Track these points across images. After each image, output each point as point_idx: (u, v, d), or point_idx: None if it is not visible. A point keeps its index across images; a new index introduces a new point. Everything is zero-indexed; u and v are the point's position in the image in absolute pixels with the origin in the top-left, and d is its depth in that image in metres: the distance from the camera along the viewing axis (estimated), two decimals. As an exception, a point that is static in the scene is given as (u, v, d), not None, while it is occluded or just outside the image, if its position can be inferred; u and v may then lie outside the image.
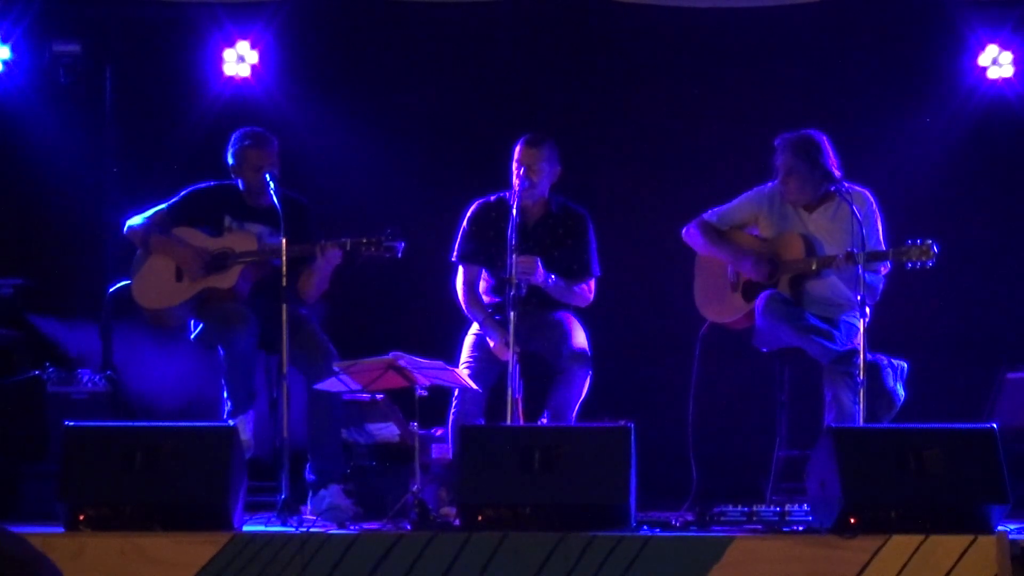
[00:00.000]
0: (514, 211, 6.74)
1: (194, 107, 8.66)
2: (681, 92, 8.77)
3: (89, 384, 7.78)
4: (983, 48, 8.58)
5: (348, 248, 6.78)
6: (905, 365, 6.86)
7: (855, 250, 6.60)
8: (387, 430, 7.51)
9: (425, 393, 6.47)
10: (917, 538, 5.57)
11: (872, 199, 6.97)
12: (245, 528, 6.00)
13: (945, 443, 5.76)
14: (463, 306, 7.22)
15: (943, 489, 5.70)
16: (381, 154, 8.55)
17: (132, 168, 8.49)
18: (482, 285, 7.24)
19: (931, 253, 6.58)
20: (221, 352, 6.81)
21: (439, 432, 7.30)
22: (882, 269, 6.89)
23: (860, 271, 6.52)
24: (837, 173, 6.92)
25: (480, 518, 5.78)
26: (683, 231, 7.30)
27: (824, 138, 6.99)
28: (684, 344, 7.43)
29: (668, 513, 6.43)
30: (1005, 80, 8.61)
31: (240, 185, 7.05)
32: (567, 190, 7.37)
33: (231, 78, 8.70)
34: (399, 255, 6.77)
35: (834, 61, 8.68)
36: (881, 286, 6.92)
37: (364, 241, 6.74)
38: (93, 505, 5.83)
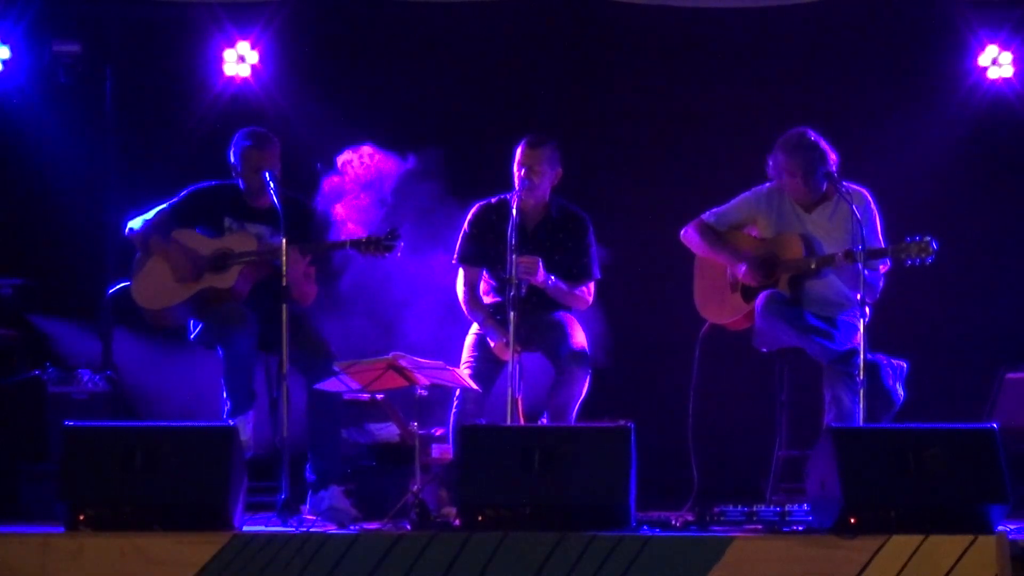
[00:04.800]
0: (514, 211, 6.74)
1: (194, 107, 8.67)
2: (681, 92, 8.77)
3: (89, 384, 7.78)
4: (983, 48, 8.59)
5: (348, 248, 6.79)
6: (904, 365, 6.86)
7: (855, 248, 6.60)
8: (387, 430, 7.52)
9: (425, 393, 6.47)
10: (917, 538, 5.57)
11: (870, 198, 6.97)
12: (245, 528, 6.00)
13: (945, 443, 5.76)
14: (464, 307, 7.23)
15: (943, 489, 5.70)
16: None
17: (132, 168, 8.49)
18: (483, 286, 7.24)
19: (930, 250, 6.57)
20: (221, 352, 6.81)
21: (439, 432, 7.30)
22: (881, 267, 6.88)
23: (860, 269, 6.51)
24: (834, 171, 6.92)
25: (480, 518, 5.78)
26: (681, 233, 7.30)
27: (821, 137, 6.99)
28: (684, 344, 7.44)
29: (668, 513, 6.43)
30: (1005, 80, 8.63)
31: (241, 185, 7.05)
32: (567, 191, 7.37)
33: (231, 78, 8.72)
34: (399, 255, 6.78)
35: (834, 61, 8.69)
36: (880, 284, 6.92)
37: (364, 241, 6.74)
38: (93, 505, 5.83)
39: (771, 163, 7.06)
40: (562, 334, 7.03)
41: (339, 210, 7.19)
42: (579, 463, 5.82)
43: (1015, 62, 8.58)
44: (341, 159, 7.31)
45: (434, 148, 7.64)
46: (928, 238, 6.58)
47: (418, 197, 7.56)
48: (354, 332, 7.78)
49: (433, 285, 7.73)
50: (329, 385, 6.55)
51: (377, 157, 7.24)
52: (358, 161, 7.21)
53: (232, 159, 7.04)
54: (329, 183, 7.25)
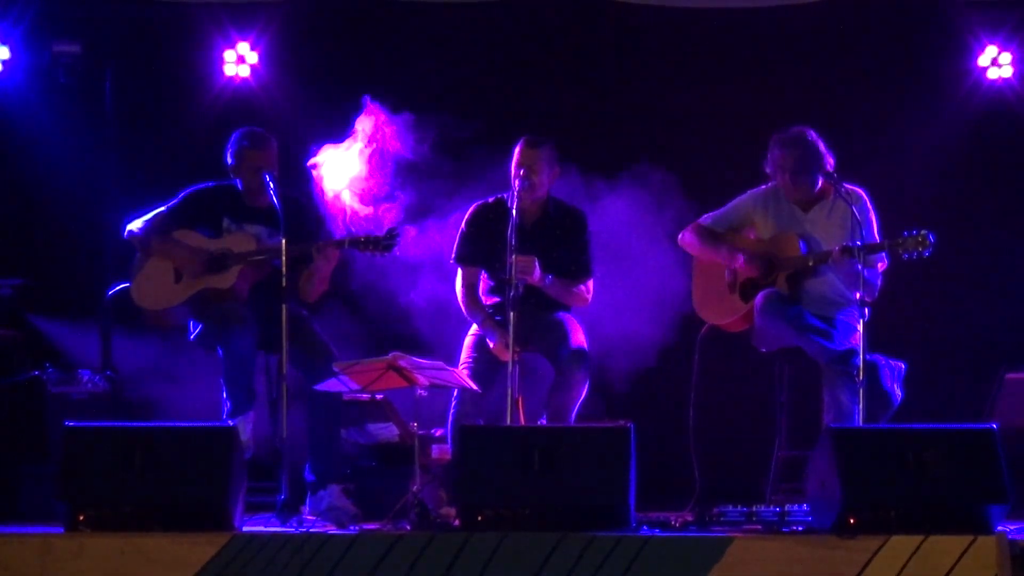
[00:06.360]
0: (513, 212, 6.74)
1: (194, 107, 8.67)
2: (681, 92, 8.77)
3: (89, 384, 7.78)
4: (983, 49, 8.59)
5: (347, 247, 6.79)
6: (903, 366, 6.85)
7: (852, 244, 6.59)
8: (387, 430, 7.52)
9: (425, 393, 6.47)
10: (917, 538, 5.58)
11: (866, 198, 6.97)
12: (245, 528, 6.00)
13: (945, 443, 5.76)
14: (462, 307, 7.23)
15: (943, 489, 5.70)
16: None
17: (132, 168, 8.49)
18: (482, 286, 7.24)
19: (927, 243, 6.57)
20: (221, 352, 6.81)
21: (439, 432, 7.30)
22: (879, 265, 6.88)
23: (859, 268, 6.51)
24: (832, 170, 6.92)
25: (480, 518, 5.78)
26: (679, 236, 7.30)
27: (818, 136, 6.99)
28: (684, 344, 7.44)
29: (668, 513, 6.44)
30: (1004, 81, 8.63)
31: (239, 185, 7.05)
32: (565, 191, 7.37)
33: (231, 78, 8.73)
34: (398, 255, 6.79)
35: (834, 61, 8.69)
36: (879, 283, 6.92)
37: (363, 240, 6.75)
38: (93, 505, 5.84)
39: (768, 159, 7.07)
40: (561, 334, 7.03)
41: (335, 168, 7.08)
42: (579, 463, 5.82)
43: (1015, 63, 8.59)
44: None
45: (433, 147, 7.64)
46: (925, 232, 6.58)
47: (416, 195, 7.55)
48: (353, 332, 7.79)
49: (427, 283, 7.75)
50: (329, 385, 6.55)
51: (383, 117, 7.16)
52: (370, 125, 7.13)
53: (230, 160, 7.04)
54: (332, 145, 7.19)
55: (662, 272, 7.98)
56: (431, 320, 7.86)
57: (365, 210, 7.02)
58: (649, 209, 8.46)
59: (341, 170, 7.01)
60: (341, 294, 7.90)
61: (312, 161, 7.02)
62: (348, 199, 7.01)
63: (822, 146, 6.95)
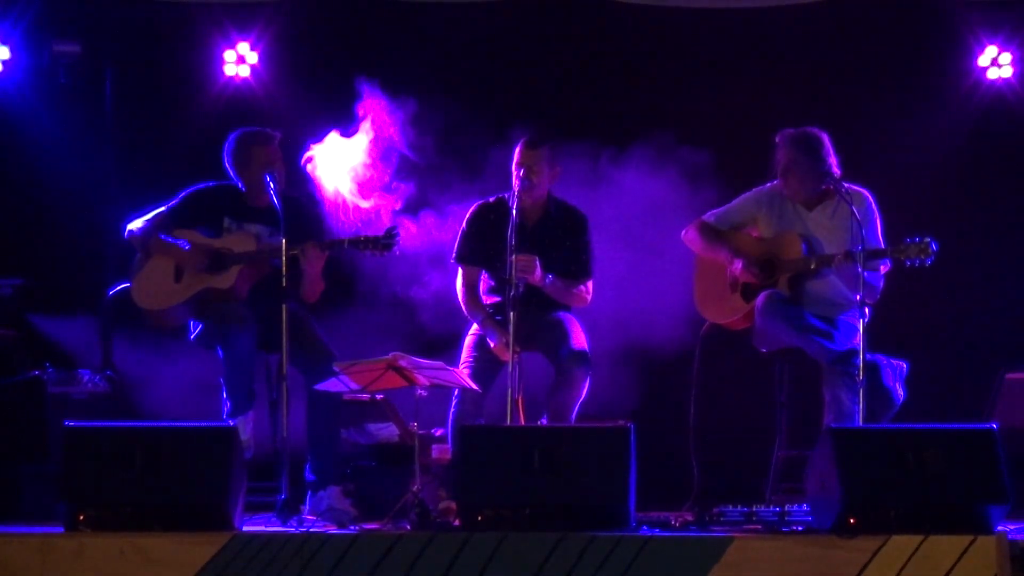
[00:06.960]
0: (514, 212, 6.74)
1: (194, 107, 8.67)
2: (681, 92, 8.77)
3: (89, 384, 7.78)
4: (983, 49, 8.60)
5: (346, 247, 6.80)
6: (904, 365, 6.85)
7: (854, 248, 6.60)
8: (387, 430, 7.52)
9: (425, 393, 6.47)
10: (917, 538, 5.58)
11: (870, 199, 6.97)
12: (245, 528, 6.00)
13: (945, 443, 5.76)
14: (463, 307, 7.23)
15: (943, 489, 5.70)
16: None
17: (132, 168, 8.50)
18: (482, 285, 7.24)
19: (930, 251, 6.57)
20: (221, 352, 6.81)
21: (439, 432, 7.30)
22: (881, 268, 6.88)
23: (860, 270, 6.51)
24: (836, 171, 6.92)
25: (480, 518, 5.79)
26: (683, 233, 7.31)
27: (824, 136, 6.99)
28: (684, 344, 7.42)
29: (668, 513, 6.44)
30: (1005, 81, 8.63)
31: (240, 185, 7.05)
32: (566, 191, 7.37)
33: (231, 78, 8.73)
34: (397, 254, 6.79)
35: (834, 62, 8.69)
36: (880, 285, 6.92)
37: (363, 239, 6.75)
38: (93, 505, 5.84)
39: (775, 157, 7.08)
40: (562, 334, 7.03)
41: (337, 156, 7.05)
42: (579, 463, 5.82)
43: (1015, 63, 8.59)
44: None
45: (434, 143, 7.65)
46: (928, 239, 6.58)
47: (416, 189, 7.56)
48: (354, 332, 7.79)
49: (430, 277, 7.74)
50: (329, 385, 6.55)
51: (384, 105, 7.15)
52: (371, 112, 7.11)
53: (234, 159, 7.03)
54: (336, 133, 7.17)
55: (664, 269, 7.98)
56: (431, 319, 7.86)
57: (365, 203, 7.02)
58: (650, 206, 8.48)
59: (343, 158, 7.01)
60: (344, 291, 7.91)
61: (309, 154, 7.01)
62: (348, 190, 7.01)
63: (826, 148, 6.95)
